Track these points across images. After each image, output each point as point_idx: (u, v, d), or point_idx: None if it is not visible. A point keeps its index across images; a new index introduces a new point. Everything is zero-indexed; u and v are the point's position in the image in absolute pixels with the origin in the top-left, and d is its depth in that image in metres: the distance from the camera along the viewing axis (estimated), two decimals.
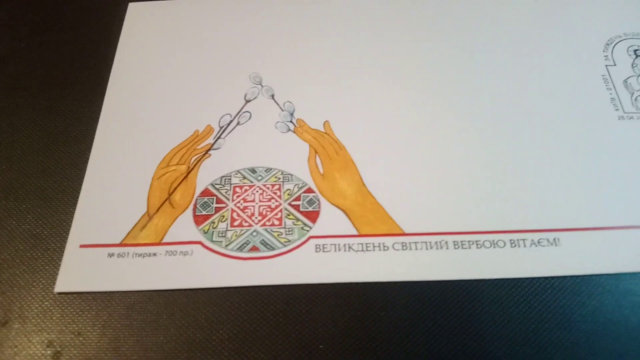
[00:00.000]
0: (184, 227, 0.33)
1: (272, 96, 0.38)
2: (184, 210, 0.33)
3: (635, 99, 0.37)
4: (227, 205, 0.33)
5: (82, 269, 0.32)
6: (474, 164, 0.34)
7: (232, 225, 0.32)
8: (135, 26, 0.42)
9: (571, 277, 0.31)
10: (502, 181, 0.34)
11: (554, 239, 0.32)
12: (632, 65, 0.39)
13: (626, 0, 0.42)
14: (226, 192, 0.34)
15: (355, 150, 0.35)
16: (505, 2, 0.42)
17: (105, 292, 0.31)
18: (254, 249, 0.32)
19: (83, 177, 0.35)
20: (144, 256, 0.32)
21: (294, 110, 0.37)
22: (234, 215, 0.33)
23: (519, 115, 0.36)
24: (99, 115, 0.38)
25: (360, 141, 0.36)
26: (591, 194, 0.33)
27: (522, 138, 0.35)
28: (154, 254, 0.32)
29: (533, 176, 0.34)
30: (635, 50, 0.39)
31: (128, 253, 0.32)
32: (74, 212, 0.34)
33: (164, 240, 0.32)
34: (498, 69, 0.39)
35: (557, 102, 0.37)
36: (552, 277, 0.31)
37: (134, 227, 0.33)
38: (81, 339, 0.30)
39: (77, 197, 0.34)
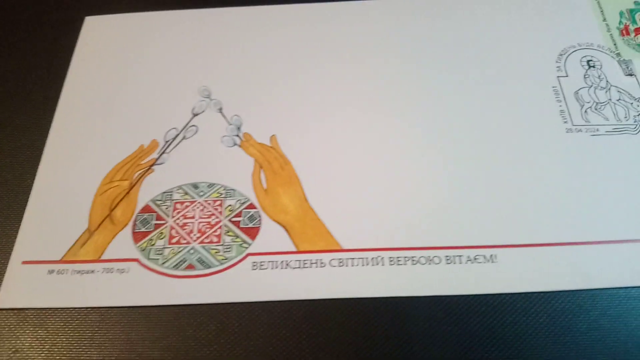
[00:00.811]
0: (123, 244, 0.33)
1: (220, 110, 0.38)
2: (123, 227, 0.33)
3: (585, 111, 0.37)
4: (166, 222, 0.33)
5: (23, 285, 0.32)
6: (413, 179, 0.34)
7: (170, 243, 0.32)
8: (91, 40, 0.42)
9: (507, 294, 0.31)
10: (440, 197, 0.34)
11: (491, 255, 0.32)
12: (585, 76, 0.38)
13: (581, 10, 0.41)
14: (166, 208, 0.34)
15: (300, 165, 0.35)
16: (460, 13, 0.42)
17: (44, 309, 0.31)
18: (190, 267, 0.32)
19: (29, 193, 0.35)
20: (82, 273, 0.32)
21: (241, 124, 0.37)
22: (173, 232, 0.33)
23: (464, 129, 0.36)
24: (49, 129, 0.38)
25: (306, 156, 0.36)
26: (529, 209, 0.33)
27: (465, 152, 0.35)
28: (92, 271, 0.32)
29: (471, 191, 0.34)
30: (588, 61, 0.39)
31: (67, 270, 0.32)
32: (18, 228, 0.34)
33: (103, 257, 0.32)
34: (448, 81, 0.38)
35: (505, 114, 0.37)
36: (488, 295, 0.31)
37: (74, 244, 0.33)
38: (18, 355, 0.30)
39: (23, 213, 0.34)
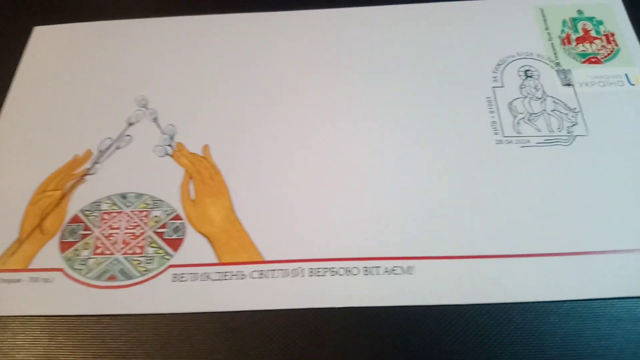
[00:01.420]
0: (50, 254, 0.33)
1: (155, 119, 0.38)
2: (52, 237, 0.34)
3: (518, 122, 0.36)
4: (92, 232, 0.34)
5: None
6: (335, 191, 0.34)
7: (94, 253, 0.33)
8: (38, 49, 0.43)
9: (423, 306, 0.31)
10: (359, 207, 0.34)
11: (408, 267, 0.32)
12: (521, 86, 0.38)
13: (524, 19, 0.41)
14: (94, 218, 0.34)
15: (231, 176, 0.36)
16: (403, 22, 0.42)
17: None
18: (112, 277, 0.32)
19: None
20: (9, 282, 0.32)
21: (174, 134, 0.37)
22: (98, 242, 0.33)
23: (394, 137, 0.36)
24: None
25: (238, 166, 0.36)
26: (449, 221, 0.33)
27: (390, 161, 0.35)
28: (19, 280, 0.32)
29: (391, 201, 0.34)
30: (526, 71, 0.39)
31: None
32: None
33: (30, 267, 0.33)
34: (388, 90, 0.38)
35: (437, 127, 0.37)
36: (404, 307, 0.31)
37: (4, 253, 0.33)
38: None
39: None
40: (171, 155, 0.36)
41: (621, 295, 0.30)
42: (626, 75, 0.38)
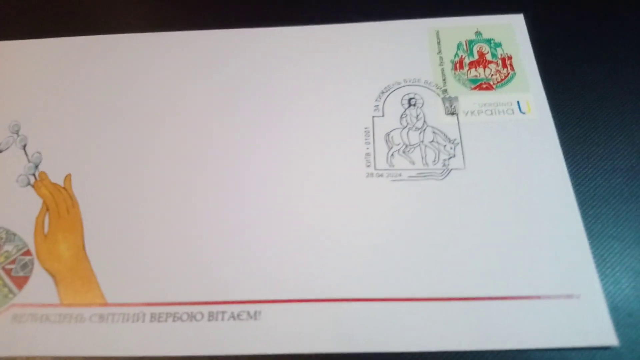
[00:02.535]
0: None
1: (24, 147, 0.37)
2: None
3: (392, 155, 0.34)
4: None
5: None
6: (185, 229, 0.33)
7: None
8: None
9: (270, 355, 0.29)
10: (207, 247, 0.32)
11: (255, 312, 0.30)
12: (402, 116, 0.36)
13: (417, 42, 0.39)
14: None
15: (89, 209, 0.34)
16: (285, 43, 0.40)
17: None
18: None
19: None
20: None
21: (40, 162, 0.36)
22: None
23: (261, 173, 0.34)
24: None
25: (96, 199, 0.34)
26: (303, 261, 0.31)
27: (251, 198, 0.33)
28: None
29: (242, 240, 0.32)
30: (410, 99, 0.36)
31: None
32: None
33: None
34: (260, 117, 0.37)
35: (309, 158, 0.35)
36: (251, 355, 0.29)
37: None
38: None
39: None
40: (32, 186, 0.35)
41: (513, 347, 0.28)
42: (518, 102, 0.36)
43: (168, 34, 0.41)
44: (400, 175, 0.34)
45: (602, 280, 0.30)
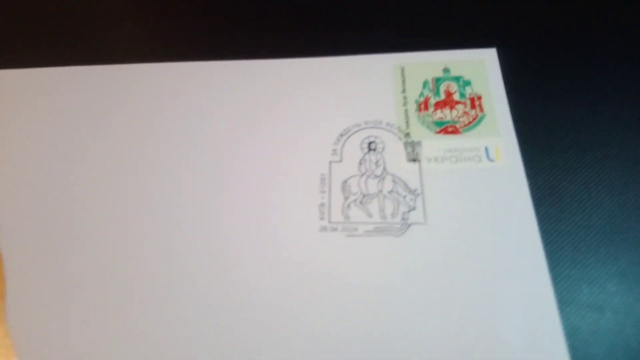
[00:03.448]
0: None
1: None
2: None
3: (349, 205, 0.31)
4: None
5: None
6: (126, 298, 0.30)
7: None
8: None
9: None
10: (134, 316, 0.29)
11: None
12: (361, 161, 0.33)
13: (381, 81, 0.36)
14: None
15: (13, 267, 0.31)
16: (245, 77, 0.37)
17: None
18: None
19: None
20: None
21: None
22: None
23: (210, 226, 0.32)
24: None
25: (23, 256, 0.32)
26: (243, 330, 0.28)
27: (199, 255, 0.31)
28: None
29: (173, 304, 0.29)
30: (370, 144, 0.34)
31: None
32: None
33: None
34: (212, 159, 0.34)
35: (262, 210, 0.32)
36: None
37: None
38: None
39: None
40: None
41: None
42: (486, 148, 0.33)
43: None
44: (356, 229, 0.31)
45: (571, 353, 0.27)
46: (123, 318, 0.29)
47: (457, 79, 0.36)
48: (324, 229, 0.31)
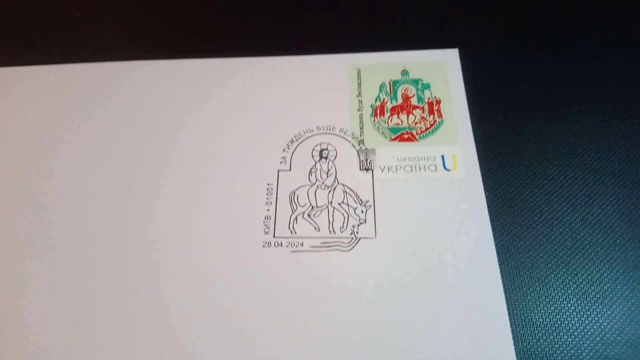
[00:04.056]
0: None
1: None
2: None
3: (296, 218, 0.29)
4: None
5: None
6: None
7: None
8: None
9: None
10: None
11: None
12: (311, 171, 0.31)
13: (332, 82, 0.34)
14: None
15: None
16: (195, 75, 0.35)
17: None
18: None
19: None
20: None
21: None
22: None
23: (151, 237, 0.29)
24: None
25: None
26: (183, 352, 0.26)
27: (137, 271, 0.28)
28: None
29: (111, 321, 0.27)
30: (321, 151, 0.32)
31: None
32: None
33: None
34: (150, 162, 0.32)
35: (208, 222, 0.30)
36: None
37: None
38: None
39: None
40: None
41: None
42: (442, 157, 0.31)
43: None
44: (302, 244, 0.29)
45: None
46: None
47: (415, 82, 0.34)
48: (267, 244, 0.29)
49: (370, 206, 0.30)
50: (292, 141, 0.32)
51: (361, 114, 0.33)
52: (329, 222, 0.29)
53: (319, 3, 0.39)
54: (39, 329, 0.27)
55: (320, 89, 0.34)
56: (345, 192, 0.30)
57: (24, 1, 0.41)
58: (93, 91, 0.35)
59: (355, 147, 0.32)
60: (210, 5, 0.40)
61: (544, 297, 0.28)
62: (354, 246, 0.29)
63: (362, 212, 0.29)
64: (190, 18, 0.39)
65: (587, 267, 0.28)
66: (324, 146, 0.32)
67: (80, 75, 0.35)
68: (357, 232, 0.29)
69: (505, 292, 0.27)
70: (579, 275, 0.28)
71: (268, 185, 0.31)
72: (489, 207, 0.29)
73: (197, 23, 0.39)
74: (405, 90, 0.34)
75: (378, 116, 0.33)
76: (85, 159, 0.32)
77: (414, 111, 0.33)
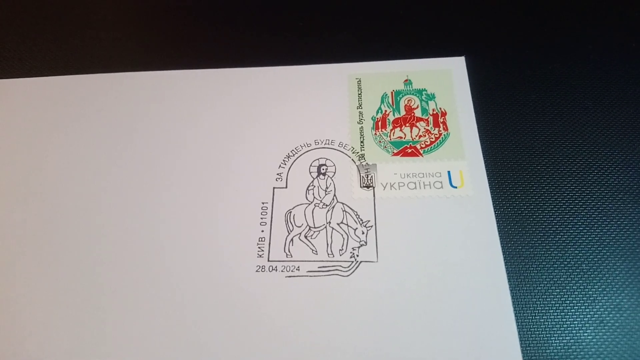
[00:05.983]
0: None
1: None
2: None
3: (292, 240, 0.27)
4: None
5: None
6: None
7: None
8: None
9: None
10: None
11: None
12: (308, 188, 0.29)
13: (331, 93, 0.32)
14: None
15: None
16: (191, 86, 0.33)
17: None
18: None
19: None
20: None
21: None
22: None
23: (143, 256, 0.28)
24: None
25: None
26: None
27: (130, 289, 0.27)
28: None
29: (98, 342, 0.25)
30: (320, 167, 0.30)
31: None
32: None
33: None
34: (153, 178, 0.30)
35: (201, 244, 0.28)
36: None
37: None
38: None
39: None
40: None
41: None
42: (449, 173, 0.29)
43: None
44: (298, 268, 0.27)
45: None
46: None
47: (419, 92, 0.32)
48: (261, 269, 0.27)
49: (372, 227, 0.28)
50: (288, 156, 0.30)
51: (362, 127, 0.31)
52: (327, 244, 0.27)
53: (316, 9, 0.37)
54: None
55: (319, 101, 0.32)
56: (344, 211, 0.28)
57: (12, 14, 0.39)
58: (86, 104, 0.33)
59: (355, 163, 0.30)
60: (205, 16, 0.38)
61: (559, 326, 0.25)
62: (354, 270, 0.27)
63: (363, 233, 0.27)
64: (185, 28, 0.37)
65: (605, 292, 0.26)
66: (322, 161, 0.30)
67: (74, 87, 0.34)
68: (357, 255, 0.27)
69: (517, 322, 0.25)
70: (597, 301, 0.26)
71: (263, 204, 0.29)
72: (498, 227, 0.27)
73: (192, 33, 0.37)
74: (408, 101, 0.32)
75: (380, 129, 0.31)
76: (76, 175, 0.30)
77: (417, 124, 0.31)
